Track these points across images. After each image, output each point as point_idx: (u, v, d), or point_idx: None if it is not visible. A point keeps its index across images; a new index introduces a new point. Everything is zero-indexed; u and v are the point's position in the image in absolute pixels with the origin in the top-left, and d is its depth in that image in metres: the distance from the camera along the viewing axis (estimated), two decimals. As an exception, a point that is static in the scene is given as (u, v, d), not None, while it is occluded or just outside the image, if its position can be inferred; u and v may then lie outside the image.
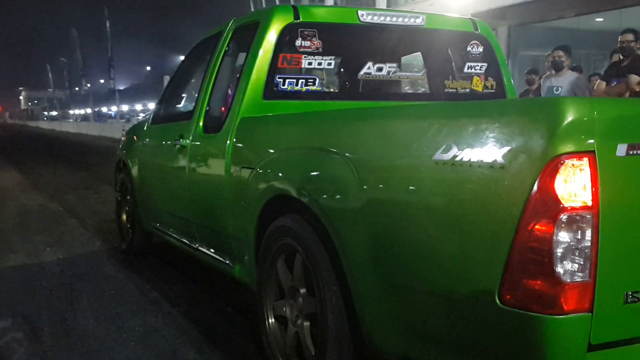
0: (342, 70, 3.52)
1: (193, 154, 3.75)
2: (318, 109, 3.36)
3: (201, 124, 3.74)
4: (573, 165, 1.56)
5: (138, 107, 69.94)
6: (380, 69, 3.60)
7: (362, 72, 3.56)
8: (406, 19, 3.63)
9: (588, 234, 1.57)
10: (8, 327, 3.58)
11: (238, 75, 3.47)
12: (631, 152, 1.60)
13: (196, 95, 3.93)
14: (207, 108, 3.74)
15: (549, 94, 7.11)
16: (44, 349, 3.26)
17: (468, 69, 3.81)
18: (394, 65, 3.66)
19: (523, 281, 1.62)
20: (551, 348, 1.59)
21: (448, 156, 1.81)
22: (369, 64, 3.57)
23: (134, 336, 3.43)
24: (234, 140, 3.26)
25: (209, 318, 3.69)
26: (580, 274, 1.58)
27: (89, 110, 65.51)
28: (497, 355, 1.73)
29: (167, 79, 33.20)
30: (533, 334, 1.61)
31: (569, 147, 1.56)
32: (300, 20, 3.39)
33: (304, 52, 3.40)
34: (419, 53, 3.89)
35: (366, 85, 3.63)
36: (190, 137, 3.80)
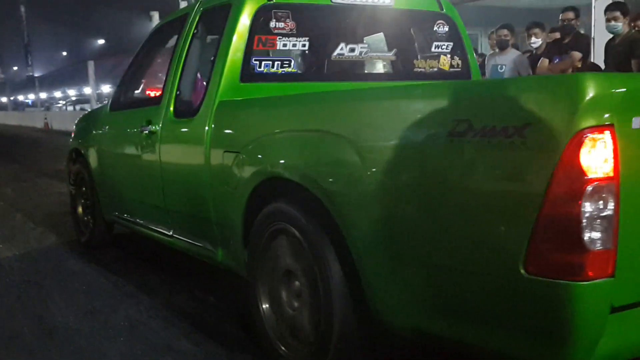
0: (315, 51, 3.51)
1: (165, 140, 3.67)
2: (295, 91, 3.35)
3: (172, 108, 3.67)
4: (595, 138, 1.63)
5: (57, 94, 67.38)
6: (352, 50, 3.62)
7: (335, 53, 3.57)
8: (375, -1, 3.66)
9: (611, 203, 1.65)
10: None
11: (212, 59, 3.41)
12: (645, 124, 1.69)
13: (163, 79, 3.85)
14: (177, 92, 3.67)
15: (493, 73, 7.27)
16: (31, 350, 3.15)
17: (435, 48, 3.88)
18: (365, 45, 3.68)
19: (550, 251, 1.68)
20: (577, 312, 1.67)
21: (464, 134, 1.85)
22: (342, 44, 3.58)
23: (121, 331, 3.35)
24: (213, 124, 3.22)
25: (194, 308, 3.64)
26: (604, 242, 1.65)
27: (4, 99, 62.66)
28: (520, 322, 1.80)
29: (91, 64, 32.26)
30: (559, 300, 1.68)
31: (591, 122, 1.63)
32: (274, 1, 3.37)
33: (278, 34, 3.38)
34: (387, 33, 3.92)
35: (340, 65, 3.64)
36: (160, 123, 3.72)
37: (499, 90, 1.87)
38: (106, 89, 40.11)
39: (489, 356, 2.03)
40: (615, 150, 1.64)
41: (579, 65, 6.69)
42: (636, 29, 6.17)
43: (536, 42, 7.08)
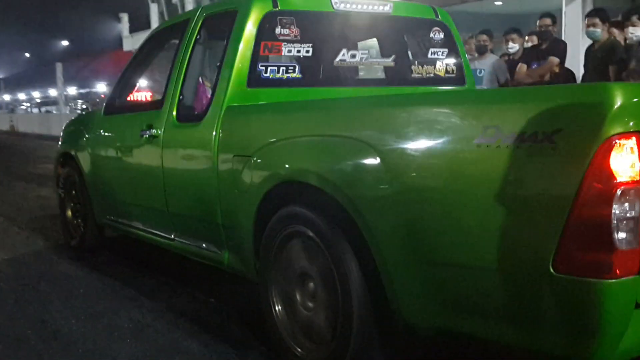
0: (319, 57, 3.58)
1: (168, 144, 3.70)
2: (300, 96, 3.43)
3: (174, 113, 3.70)
4: (623, 144, 1.74)
5: (21, 96, 66.15)
6: (353, 56, 3.70)
7: (337, 59, 3.65)
8: (375, 7, 3.75)
9: (637, 205, 1.76)
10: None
11: (218, 64, 3.46)
12: (664, 132, 1.80)
13: (164, 84, 3.88)
14: (180, 97, 3.71)
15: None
16: (38, 352, 3.16)
17: (431, 54, 3.98)
18: (366, 51, 3.77)
19: (579, 251, 1.78)
20: (606, 308, 1.77)
21: (492, 140, 1.95)
22: (343, 50, 3.66)
23: (127, 333, 3.38)
24: (221, 129, 3.26)
25: (197, 310, 3.68)
26: (631, 242, 1.76)
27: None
28: (549, 319, 1.90)
29: (59, 66, 31.69)
30: (588, 297, 1.78)
31: (619, 128, 1.74)
32: (279, 8, 3.43)
33: (283, 40, 3.44)
34: (386, 40, 4.01)
35: (342, 71, 3.72)
36: (163, 127, 3.75)
37: (528, 98, 1.97)
38: (72, 91, 39.59)
39: (517, 353, 2.13)
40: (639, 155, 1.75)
41: (557, 70, 6.88)
42: (613, 36, 6.37)
43: (513, 47, 7.26)
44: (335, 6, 3.61)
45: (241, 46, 3.33)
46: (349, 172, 2.47)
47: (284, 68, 3.44)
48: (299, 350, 2.78)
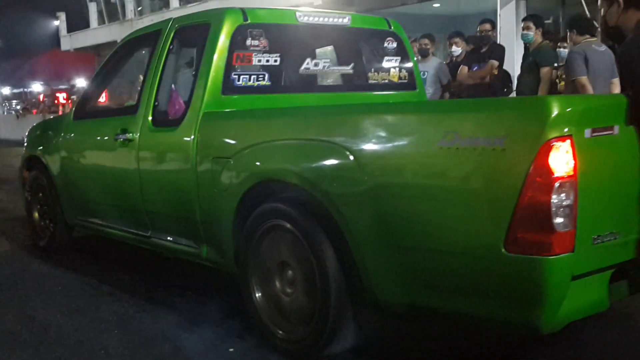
0: (285, 65, 3.90)
1: (144, 148, 3.95)
2: (270, 102, 3.75)
3: (150, 118, 3.95)
4: (560, 146, 2.14)
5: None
6: (316, 64, 4.04)
7: (302, 67, 3.98)
8: (335, 19, 4.09)
9: (572, 195, 2.16)
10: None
11: (194, 73, 3.74)
12: (594, 134, 2.23)
13: (138, 90, 4.13)
14: (156, 103, 3.96)
15: (417, 78, 7.86)
16: (33, 345, 3.37)
17: (386, 62, 4.35)
18: (328, 60, 4.11)
19: (525, 233, 2.18)
20: (548, 281, 2.17)
21: (452, 143, 2.33)
22: (307, 59, 3.99)
23: (113, 325, 3.62)
24: (199, 133, 3.55)
25: (177, 302, 3.94)
26: (568, 225, 2.16)
27: None
28: (501, 291, 2.29)
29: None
30: (534, 272, 2.18)
31: (556, 133, 2.14)
32: (249, 21, 3.72)
33: (253, 51, 3.74)
34: (345, 49, 4.36)
35: (307, 78, 4.06)
36: (138, 131, 4.00)
37: (481, 108, 2.36)
38: (6, 91, 38.45)
39: (476, 323, 2.52)
40: (574, 154, 2.16)
41: (496, 73, 7.39)
42: (547, 41, 6.91)
43: (457, 50, 7.73)
44: (299, 19, 3.94)
45: (215, 56, 3.62)
46: (326, 171, 2.81)
47: (255, 76, 3.74)
48: (280, 332, 3.10)
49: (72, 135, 4.81)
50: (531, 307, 2.23)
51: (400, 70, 4.40)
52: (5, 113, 28.73)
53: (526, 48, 7.45)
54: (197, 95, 3.64)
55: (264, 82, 3.77)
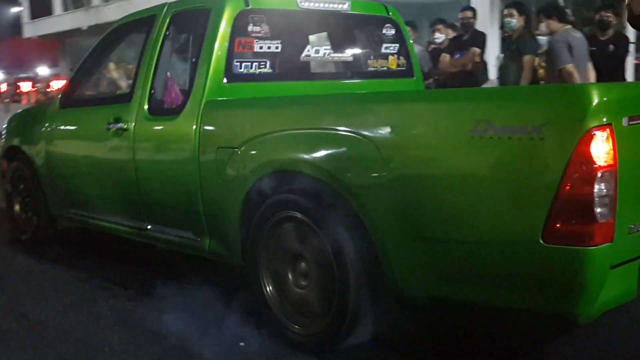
0: (287, 52, 3.80)
1: (141, 137, 3.82)
2: (272, 90, 3.65)
3: (146, 107, 3.82)
4: (601, 135, 2.10)
5: None
6: (317, 51, 3.95)
7: (303, 54, 3.89)
8: (335, 5, 4.01)
9: (612, 185, 2.14)
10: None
11: (194, 60, 3.62)
12: (631, 123, 2.19)
13: (132, 78, 3.99)
14: (152, 91, 3.83)
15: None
16: (32, 344, 3.23)
17: (385, 49, 4.28)
18: (329, 47, 4.03)
19: (565, 224, 2.14)
20: (589, 271, 2.14)
21: (484, 132, 2.27)
22: (308, 46, 3.90)
23: (112, 321, 3.50)
24: (202, 122, 3.43)
25: (175, 295, 3.79)
26: (608, 215, 2.13)
27: None
28: (538, 282, 2.25)
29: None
30: (574, 262, 2.15)
31: (597, 122, 2.11)
32: (250, 7, 3.61)
33: (255, 37, 3.64)
34: (345, 35, 4.27)
35: (308, 65, 3.97)
36: (133, 121, 3.86)
37: (517, 97, 2.31)
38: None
39: (507, 313, 2.48)
40: (613, 143, 2.12)
41: (478, 60, 7.39)
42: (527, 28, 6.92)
43: (440, 37, 7.71)
44: (300, 5, 3.84)
45: (217, 43, 3.50)
46: (346, 162, 2.73)
47: (257, 63, 3.64)
48: (295, 325, 3.03)
49: (58, 124, 4.63)
50: (569, 297, 2.20)
51: (398, 58, 4.33)
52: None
53: (508, 37, 7.47)
54: (198, 83, 3.52)
55: (265, 70, 3.68)
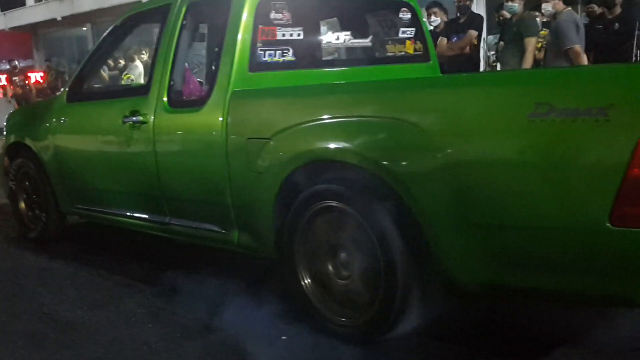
0: (309, 39, 3.74)
1: (161, 130, 3.74)
2: (296, 78, 3.59)
3: (165, 99, 3.74)
4: None
5: None
6: (337, 38, 3.90)
7: (324, 41, 3.84)
8: (353, -11, 3.96)
9: None
10: (6, 337, 3.35)
11: (217, 50, 3.54)
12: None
13: (149, 70, 3.90)
14: (171, 83, 3.75)
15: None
16: (65, 345, 3.15)
17: (401, 33, 4.24)
18: (348, 33, 3.97)
19: (634, 207, 2.12)
20: None
21: (545, 115, 2.24)
22: (329, 32, 3.85)
23: (144, 318, 3.43)
24: (229, 113, 3.36)
25: (203, 291, 3.73)
26: None
27: None
28: (603, 266, 2.23)
29: None
30: None
31: None
32: (271, -7, 3.55)
33: (277, 25, 3.57)
34: (364, 20, 4.22)
35: (329, 52, 3.91)
36: (153, 114, 3.77)
37: (579, 78, 2.28)
38: None
39: (567, 298, 2.46)
40: None
41: (475, 42, 7.38)
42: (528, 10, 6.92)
43: (435, 20, 7.67)
44: (318, -10, 3.78)
45: (241, 32, 3.43)
46: (393, 150, 2.68)
47: (280, 52, 3.58)
48: (339, 318, 2.99)
49: (68, 119, 4.51)
50: (637, 281, 2.18)
51: (415, 42, 4.30)
52: None
53: (504, 20, 7.47)
54: (222, 73, 3.44)
55: (288, 58, 3.61)
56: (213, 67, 3.55)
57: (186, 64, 3.87)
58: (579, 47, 5.60)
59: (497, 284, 2.54)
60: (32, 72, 18.94)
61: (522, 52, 6.63)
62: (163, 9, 3.91)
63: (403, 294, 2.74)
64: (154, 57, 3.86)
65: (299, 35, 3.65)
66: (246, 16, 3.45)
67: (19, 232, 5.26)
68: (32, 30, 24.97)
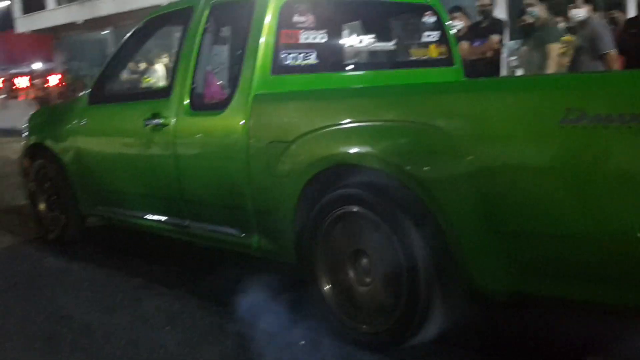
0: (332, 43, 3.71)
1: (182, 133, 3.72)
2: (318, 82, 3.56)
3: (187, 101, 3.72)
4: None
5: None
6: (360, 41, 3.86)
7: (347, 45, 3.80)
8: (376, -7, 3.93)
9: None
10: (22, 339, 3.35)
11: (240, 52, 3.52)
12: None
13: (171, 72, 3.89)
14: (193, 85, 3.73)
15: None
16: (82, 347, 3.14)
17: (425, 37, 4.20)
18: (371, 36, 3.94)
19: None
20: None
21: (577, 121, 2.18)
22: (352, 36, 3.81)
23: (162, 321, 3.40)
24: (251, 116, 3.34)
25: (221, 295, 3.71)
26: None
27: None
28: (634, 278, 2.17)
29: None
30: None
31: None
32: (295, -3, 3.52)
33: (300, 28, 3.54)
34: (386, 24, 4.18)
35: (352, 56, 3.88)
36: (174, 116, 3.76)
37: (612, 83, 2.22)
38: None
39: (596, 308, 2.40)
40: None
41: (497, 47, 7.31)
42: (551, 16, 6.84)
43: (457, 25, 7.61)
44: (341, -6, 3.75)
45: (264, 34, 3.41)
46: (417, 155, 2.63)
47: (302, 55, 3.55)
48: (359, 325, 2.94)
49: (89, 121, 4.51)
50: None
51: (439, 46, 4.25)
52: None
53: (528, 25, 7.39)
54: (245, 76, 3.42)
55: (311, 61, 3.58)
56: (235, 70, 3.53)
57: (208, 67, 3.85)
58: (614, 52, 5.50)
59: (523, 292, 2.49)
60: (52, 74, 19.15)
61: (545, 57, 6.57)
62: (186, 11, 3.89)
63: (425, 302, 2.69)
64: (176, 60, 3.85)
65: (322, 38, 3.63)
66: (269, 19, 3.42)
67: (39, 233, 5.26)
68: (53, 33, 25.22)
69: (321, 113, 3.13)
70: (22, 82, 19.89)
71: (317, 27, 3.59)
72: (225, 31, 4.03)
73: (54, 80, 18.53)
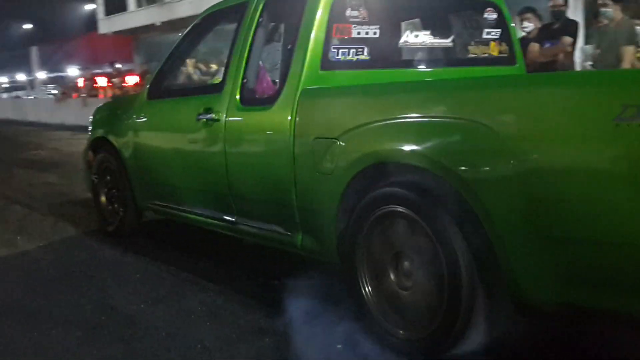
0: (385, 38, 3.60)
1: (232, 128, 3.70)
2: (370, 78, 3.46)
3: (237, 96, 3.69)
4: None
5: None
6: (416, 36, 3.73)
7: (401, 40, 3.68)
8: (436, -13, 3.79)
9: None
10: (66, 327, 3.40)
11: (290, 47, 3.47)
12: None
13: (223, 68, 3.87)
14: (244, 80, 3.70)
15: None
16: (122, 338, 3.16)
17: (486, 34, 4.03)
18: (428, 32, 3.80)
19: None
20: None
21: (633, 119, 2.00)
22: (407, 32, 3.69)
23: (203, 316, 3.39)
24: (298, 112, 3.27)
25: (264, 293, 3.68)
26: None
27: None
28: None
29: (34, 50, 30.76)
30: None
31: None
32: (348, -10, 3.43)
33: (353, 22, 3.45)
34: (445, 20, 4.04)
35: (407, 52, 3.76)
36: (225, 111, 3.74)
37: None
38: (42, 75, 38.80)
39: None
40: None
41: (570, 50, 6.99)
42: (626, 17, 6.50)
43: (528, 26, 7.33)
44: (397, -12, 3.64)
45: (314, 29, 3.34)
46: (463, 153, 2.49)
47: (354, 50, 3.46)
48: (398, 330, 2.82)
49: (147, 115, 4.56)
50: None
51: (500, 44, 4.07)
52: (43, 97, 28.85)
53: (603, 26, 7.05)
54: (294, 71, 3.36)
55: (363, 57, 3.49)
56: (286, 65, 3.47)
57: (260, 62, 3.82)
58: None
59: (573, 304, 2.31)
60: (129, 75, 19.73)
61: (619, 60, 6.24)
62: (241, 6, 3.87)
63: (467, 310, 2.55)
64: (229, 55, 3.83)
65: (375, 33, 3.52)
66: (321, 13, 3.35)
67: (99, 225, 5.37)
68: (133, 34, 26.03)
69: (366, 109, 3.03)
70: (101, 81, 20.60)
71: (370, 22, 3.49)
72: (279, 26, 3.98)
73: (131, 79, 19.09)
